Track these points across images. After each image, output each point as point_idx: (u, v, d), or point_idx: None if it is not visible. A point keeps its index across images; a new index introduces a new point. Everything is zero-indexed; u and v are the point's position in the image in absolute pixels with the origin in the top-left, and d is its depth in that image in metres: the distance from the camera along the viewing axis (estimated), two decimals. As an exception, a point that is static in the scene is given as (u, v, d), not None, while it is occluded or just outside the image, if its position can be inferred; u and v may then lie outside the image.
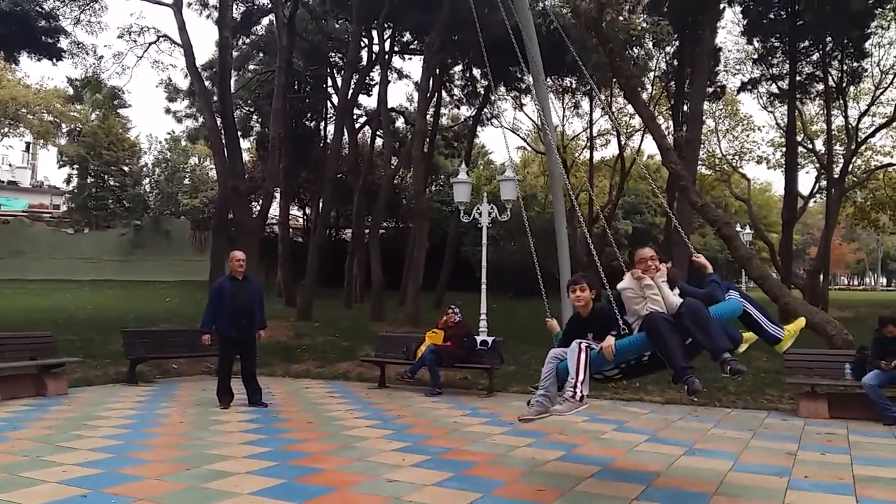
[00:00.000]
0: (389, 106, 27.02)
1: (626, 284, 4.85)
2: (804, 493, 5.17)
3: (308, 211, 37.20)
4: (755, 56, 25.38)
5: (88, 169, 39.53)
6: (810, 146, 28.64)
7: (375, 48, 25.77)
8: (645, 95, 24.33)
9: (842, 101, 24.62)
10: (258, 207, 24.98)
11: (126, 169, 40.93)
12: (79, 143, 40.74)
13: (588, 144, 34.33)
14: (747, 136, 33.08)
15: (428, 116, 24.85)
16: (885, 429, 7.86)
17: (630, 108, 27.69)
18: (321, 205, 25.85)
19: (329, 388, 11.19)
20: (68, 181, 42.18)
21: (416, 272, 19.90)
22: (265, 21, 27.93)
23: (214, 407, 8.77)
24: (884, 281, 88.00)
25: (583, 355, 4.74)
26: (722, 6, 20.60)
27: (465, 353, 10.56)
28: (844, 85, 23.89)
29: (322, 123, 33.88)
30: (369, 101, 32.02)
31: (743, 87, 26.37)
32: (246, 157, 30.34)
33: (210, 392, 9.30)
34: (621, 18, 13.46)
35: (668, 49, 23.42)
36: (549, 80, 23.30)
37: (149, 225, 38.81)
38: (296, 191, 33.96)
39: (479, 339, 11.04)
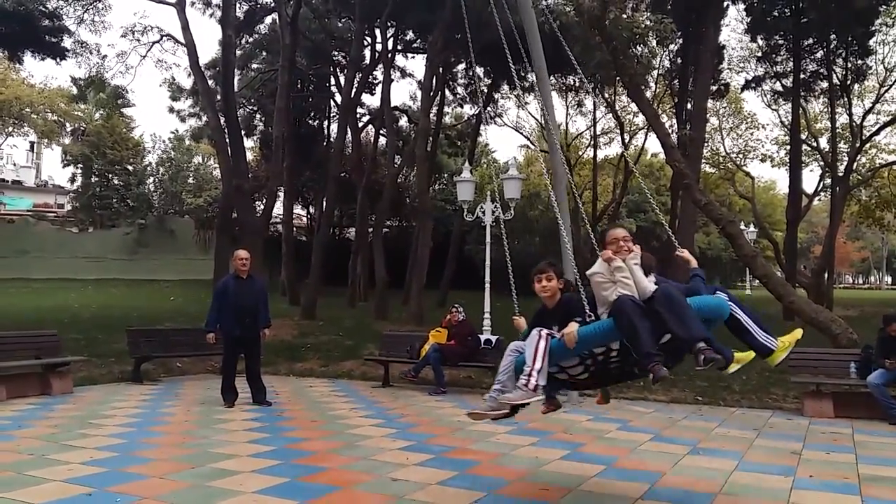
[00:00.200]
0: (392, 105, 27.02)
1: (597, 269, 4.35)
2: (809, 492, 5.15)
3: (312, 210, 37.22)
4: (759, 54, 25.30)
5: (92, 168, 39.59)
6: (814, 144, 28.55)
7: (378, 47, 25.78)
8: (648, 93, 24.27)
9: (846, 99, 24.52)
10: (262, 206, 25.01)
11: (130, 168, 40.99)
12: (83, 143, 40.78)
13: (592, 143, 34.28)
14: (751, 134, 32.99)
15: (431, 115, 24.83)
16: (891, 428, 7.84)
17: (634, 107, 27.65)
18: (325, 204, 25.88)
19: (333, 386, 11.20)
20: (72, 180, 42.26)
21: (419, 271, 19.90)
22: (268, 20, 27.96)
23: (219, 405, 8.78)
24: (889, 279, 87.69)
25: (542, 343, 4.26)
26: (725, 4, 20.54)
27: (469, 352, 10.56)
28: (849, 82, 23.79)
29: (325, 122, 33.89)
30: (372, 100, 32.10)
31: (747, 85, 26.30)
32: (249, 156, 30.34)
33: (214, 391, 9.32)
34: (625, 16, 13.42)
35: (671, 47, 23.35)
36: (552, 78, 23.29)
37: (153, 224, 38.86)
38: (299, 190, 33.96)
39: (482, 337, 11.04)
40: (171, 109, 32.62)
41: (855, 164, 24.67)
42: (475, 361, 10.66)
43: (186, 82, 30.01)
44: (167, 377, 11.83)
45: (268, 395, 9.19)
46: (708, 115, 22.99)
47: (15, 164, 57.32)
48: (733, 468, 5.84)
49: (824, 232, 33.32)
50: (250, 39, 29.07)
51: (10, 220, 41.86)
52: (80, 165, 40.44)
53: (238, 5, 24.05)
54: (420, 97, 25.34)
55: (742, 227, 23.08)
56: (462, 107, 33.46)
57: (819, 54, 23.09)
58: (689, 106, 21.63)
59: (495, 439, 6.99)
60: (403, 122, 33.86)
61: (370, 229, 26.21)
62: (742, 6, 22.31)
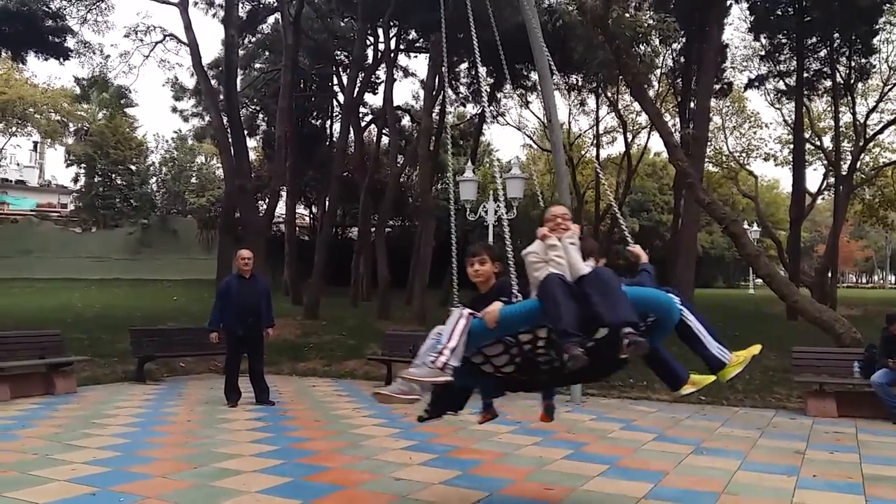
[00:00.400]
0: (395, 104, 27.04)
1: (532, 248, 4.04)
2: (813, 492, 5.14)
3: (314, 209, 37.26)
4: (762, 53, 25.25)
5: (96, 168, 39.67)
6: (818, 143, 28.51)
7: (381, 46, 25.79)
8: (651, 92, 24.23)
9: (850, 98, 24.47)
10: (265, 206, 25.03)
11: (133, 168, 41.06)
12: (86, 143, 40.86)
13: (595, 142, 34.24)
14: (754, 132, 32.96)
15: (434, 114, 24.83)
16: (894, 427, 7.82)
17: (637, 106, 27.62)
18: (327, 203, 25.91)
19: (336, 386, 11.21)
20: (76, 180, 42.36)
21: (422, 270, 19.91)
22: (271, 19, 27.99)
23: (222, 405, 8.79)
24: (892, 278, 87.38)
25: (462, 322, 3.84)
26: (729, 3, 20.51)
27: (472, 352, 10.54)
28: (852, 81, 23.75)
29: (328, 122, 33.92)
30: (375, 100, 32.07)
31: (750, 84, 26.27)
32: (252, 155, 30.40)
33: (217, 390, 9.33)
34: (627, 15, 13.40)
35: (674, 46, 23.32)
36: (554, 77, 23.28)
37: (156, 224, 38.92)
38: (302, 189, 33.98)
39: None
40: (174, 109, 32.68)
41: (858, 163, 24.65)
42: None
43: (189, 82, 30.06)
44: (170, 377, 11.84)
45: (271, 394, 9.20)
46: (711, 114, 22.99)
47: (18, 164, 57.40)
48: (737, 468, 5.84)
49: (828, 231, 33.29)
50: (253, 39, 29.11)
51: (13, 220, 41.99)
52: (83, 165, 40.52)
53: (241, 5, 24.08)
54: (423, 97, 25.38)
55: (745, 226, 23.07)
56: (465, 106, 33.50)
57: (822, 53, 23.06)
58: (692, 105, 21.63)
59: (498, 439, 6.99)
60: (406, 121, 33.87)
61: (373, 229, 26.22)
62: (745, 5, 22.27)
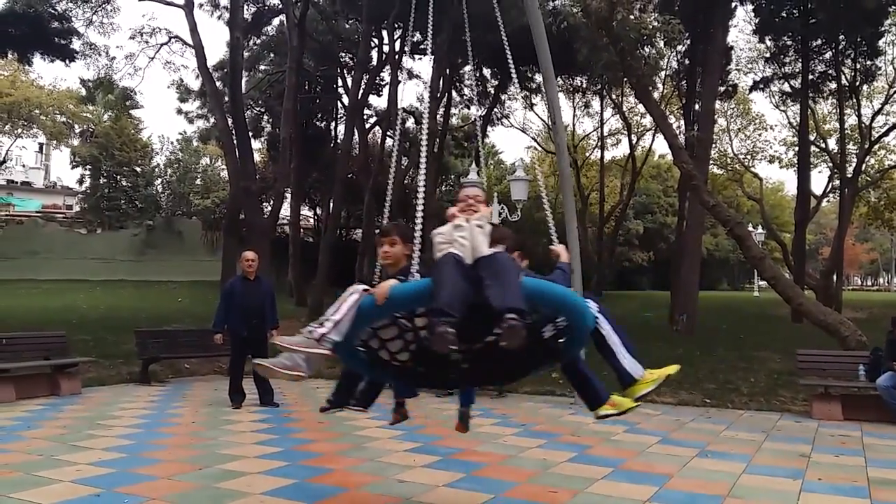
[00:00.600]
0: (400, 106, 27.04)
1: (441, 229, 3.84)
2: (818, 495, 5.13)
3: (319, 211, 37.32)
4: (767, 55, 25.24)
5: (101, 169, 39.81)
6: (823, 145, 28.45)
7: (386, 48, 25.82)
8: (656, 94, 24.24)
9: (855, 100, 24.44)
10: (269, 208, 25.07)
11: (138, 169, 41.21)
12: (91, 144, 41.01)
13: (599, 144, 34.26)
14: (759, 135, 32.94)
15: (438, 116, 24.86)
16: (900, 431, 7.79)
17: (641, 108, 27.60)
18: (332, 205, 25.93)
19: (340, 388, 11.20)
20: (81, 182, 42.52)
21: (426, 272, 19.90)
22: (276, 21, 28.05)
23: (226, 407, 8.80)
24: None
25: (353, 296, 3.62)
26: (734, 5, 20.49)
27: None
28: (858, 83, 23.71)
29: (333, 124, 33.97)
30: (380, 102, 32.11)
31: (755, 86, 26.23)
32: (257, 157, 30.44)
33: (222, 392, 9.34)
34: (632, 17, 13.37)
35: (679, 48, 23.31)
36: (559, 79, 23.27)
37: (161, 225, 39.02)
38: (306, 191, 34.06)
39: (489, 339, 11.00)
40: (179, 111, 32.76)
41: (864, 166, 24.63)
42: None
43: (194, 84, 30.17)
44: (175, 378, 11.86)
45: (275, 396, 9.21)
46: (716, 117, 22.93)
47: (24, 166, 57.63)
48: (741, 471, 5.82)
49: (833, 233, 33.17)
50: (258, 41, 29.18)
51: (19, 222, 42.14)
52: (88, 167, 40.69)
53: (246, 7, 24.13)
54: (427, 98, 25.40)
55: (750, 228, 23.00)
56: (469, 108, 33.52)
57: (828, 55, 23.03)
58: (696, 107, 21.56)
59: (503, 441, 6.98)
60: (410, 123, 33.90)
61: (377, 230, 26.24)
62: (750, 7, 22.24)
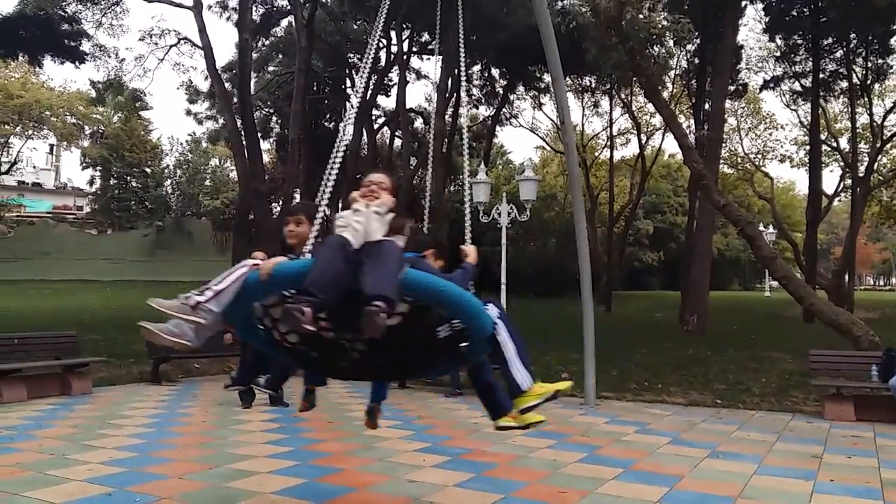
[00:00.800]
0: (408, 106, 27.08)
1: (343, 213, 3.82)
2: (830, 496, 5.09)
3: (327, 211, 37.36)
4: (778, 53, 25.13)
5: (111, 170, 40.08)
6: (834, 144, 28.30)
7: (394, 49, 25.85)
8: (665, 94, 24.15)
9: (866, 99, 24.29)
10: (278, 208, 25.15)
11: (148, 170, 41.48)
12: (101, 145, 41.29)
13: (608, 143, 34.17)
14: (770, 134, 32.81)
15: (446, 117, 24.87)
16: (914, 431, 7.73)
17: (650, 107, 27.51)
18: (340, 205, 25.97)
19: (349, 388, 11.21)
20: (91, 183, 42.86)
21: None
22: (284, 23, 28.16)
23: (236, 406, 8.82)
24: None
25: (241, 270, 3.57)
26: (744, 3, 20.41)
27: (485, 354, 10.52)
28: (869, 82, 23.57)
29: (341, 124, 34.05)
30: (388, 102, 32.16)
31: (765, 85, 26.13)
32: (266, 158, 30.56)
33: (232, 392, 9.36)
34: (641, 16, 13.34)
35: (689, 47, 23.23)
36: (568, 79, 23.23)
37: (170, 226, 39.23)
38: (315, 192, 34.13)
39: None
40: (189, 112, 33.01)
41: (876, 165, 24.47)
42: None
43: (203, 85, 30.34)
44: (185, 378, 11.89)
45: (285, 396, 9.22)
46: (726, 116, 22.85)
47: (35, 167, 58.07)
48: (753, 472, 5.78)
49: (844, 233, 32.97)
50: (267, 42, 29.30)
51: (30, 222, 42.48)
52: (98, 168, 40.97)
53: (254, 8, 24.22)
54: (435, 99, 25.40)
55: (761, 228, 22.90)
56: (477, 108, 33.51)
57: (839, 53, 22.91)
58: (706, 106, 21.50)
59: (512, 441, 6.96)
60: (419, 123, 33.93)
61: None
62: (760, 5, 22.15)
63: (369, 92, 24.19)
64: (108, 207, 40.16)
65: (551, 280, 33.02)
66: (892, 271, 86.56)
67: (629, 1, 12.30)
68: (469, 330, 3.58)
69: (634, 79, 17.39)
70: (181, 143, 45.59)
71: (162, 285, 31.46)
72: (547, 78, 24.37)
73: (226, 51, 59.34)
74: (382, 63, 26.64)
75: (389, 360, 3.79)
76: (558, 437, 7.18)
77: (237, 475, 5.45)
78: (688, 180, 27.93)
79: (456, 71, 24.45)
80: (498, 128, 32.31)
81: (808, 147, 26.26)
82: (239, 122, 20.05)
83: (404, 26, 24.20)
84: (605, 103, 31.88)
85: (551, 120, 34.77)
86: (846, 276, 25.10)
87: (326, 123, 33.85)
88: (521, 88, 29.55)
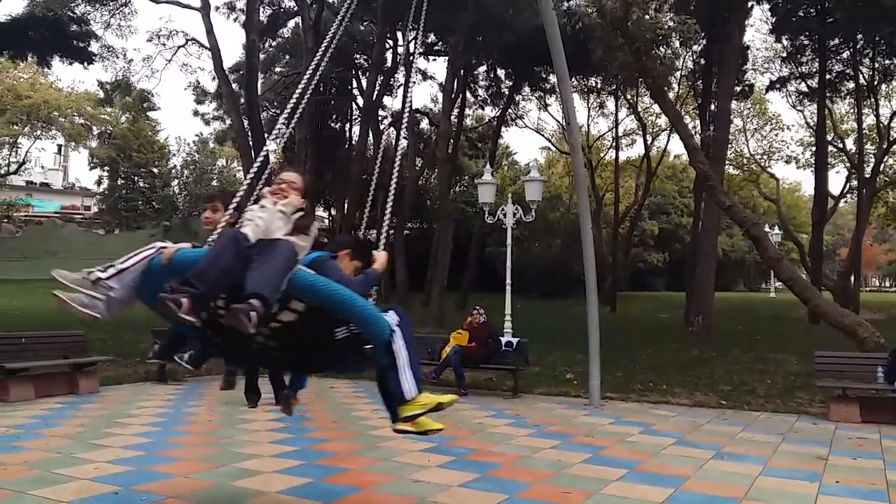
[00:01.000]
0: (414, 107, 27.12)
1: (253, 207, 3.91)
2: (836, 498, 5.08)
3: (333, 212, 37.48)
4: (784, 54, 25.06)
5: (119, 171, 40.26)
6: (841, 145, 28.22)
7: (400, 49, 25.89)
8: (671, 95, 24.12)
9: (873, 100, 24.21)
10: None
11: (155, 171, 41.66)
12: (109, 146, 41.47)
13: (614, 144, 34.14)
14: (776, 135, 32.73)
15: (452, 117, 24.90)
16: (919, 433, 7.71)
17: (656, 108, 27.48)
18: (346, 206, 26.03)
19: (355, 387, 11.24)
20: (99, 183, 43.04)
21: (440, 273, 19.94)
22: (291, 24, 28.22)
23: (242, 406, 8.84)
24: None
25: (147, 251, 3.69)
26: (750, 4, 20.37)
27: (490, 355, 10.55)
28: (876, 83, 23.50)
29: (347, 125, 34.11)
30: (394, 103, 32.21)
31: (771, 86, 26.08)
32: (272, 158, 30.60)
33: (238, 391, 9.39)
34: (647, 17, 13.33)
35: (695, 48, 23.21)
36: (573, 80, 23.22)
37: (177, 226, 39.40)
38: (321, 192, 34.20)
39: (503, 340, 11.03)
40: (196, 113, 33.09)
41: (882, 166, 24.38)
42: (496, 364, 10.65)
43: (211, 86, 30.43)
44: (191, 377, 11.91)
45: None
46: (732, 117, 22.80)
47: (43, 167, 58.30)
48: (758, 473, 5.78)
49: (850, 234, 32.87)
50: (274, 43, 29.37)
51: (38, 222, 42.69)
52: (106, 168, 41.15)
53: (261, 9, 24.29)
54: (441, 100, 25.43)
55: (767, 229, 22.85)
56: (483, 109, 33.52)
57: (845, 54, 22.84)
58: (712, 107, 21.48)
59: (517, 442, 6.98)
60: (425, 124, 33.95)
61: (391, 231, 26.29)
62: (767, 6, 22.12)
63: (375, 92, 24.21)
64: (116, 207, 40.36)
65: (556, 280, 33.01)
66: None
67: (635, 2, 12.30)
68: (369, 337, 3.69)
69: (640, 79, 17.34)
70: (188, 144, 45.79)
71: (168, 285, 31.63)
72: (553, 78, 24.37)
73: (233, 52, 59.65)
74: (388, 64, 26.69)
75: (292, 354, 3.90)
76: (563, 437, 7.19)
77: (243, 474, 5.47)
78: (693, 181, 27.89)
79: (463, 72, 24.53)
80: (503, 128, 32.29)
81: (814, 148, 26.19)
82: (246, 122, 20.13)
83: (410, 27, 24.24)
84: (610, 104, 31.89)
85: (557, 120, 34.78)
86: (852, 278, 25.01)
87: (332, 124, 33.91)
88: (527, 89, 29.52)
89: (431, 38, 26.86)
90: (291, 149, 25.82)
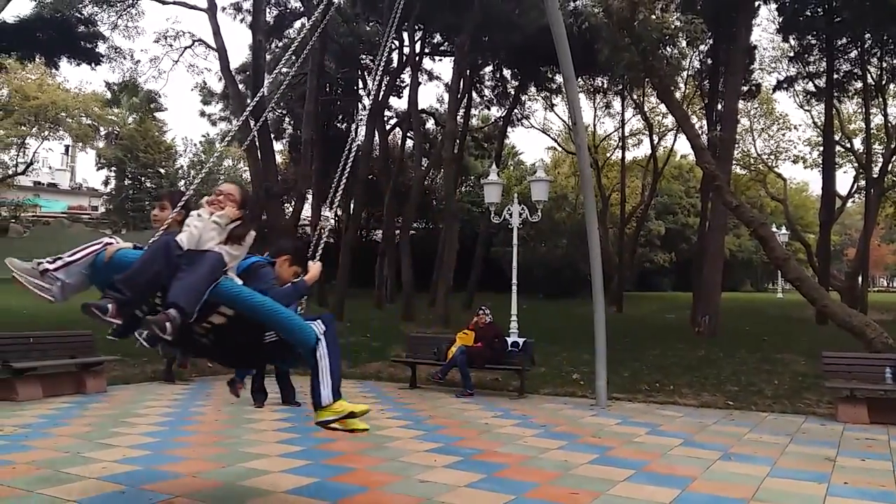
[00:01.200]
0: (420, 107, 27.12)
1: (193, 213, 4.07)
2: (844, 500, 5.06)
3: (339, 212, 37.53)
4: (791, 54, 24.97)
5: (126, 171, 40.38)
6: (848, 145, 28.10)
7: (406, 50, 25.90)
8: (678, 94, 24.05)
9: (881, 99, 24.09)
10: (291, 209, 25.24)
11: (162, 171, 41.75)
12: (116, 146, 41.61)
13: (620, 144, 34.06)
14: (783, 135, 32.61)
15: (458, 117, 24.89)
16: (928, 435, 7.66)
17: (663, 107, 27.42)
18: (352, 206, 26.06)
19: (361, 387, 11.26)
20: (106, 183, 43.17)
21: (446, 273, 19.95)
22: (297, 24, 28.23)
23: (249, 406, 8.88)
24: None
25: (95, 246, 3.90)
26: (757, 3, 20.29)
27: (496, 355, 10.55)
28: (884, 82, 23.38)
29: (353, 125, 34.12)
30: (400, 103, 32.21)
31: (779, 86, 25.96)
32: (279, 159, 30.68)
33: (244, 391, 9.42)
34: (654, 17, 13.30)
35: (701, 47, 23.13)
36: (580, 79, 23.20)
37: (184, 226, 39.47)
38: (327, 192, 34.25)
39: (509, 340, 11.03)
40: (203, 113, 33.20)
41: (890, 166, 24.22)
42: (502, 364, 10.65)
43: (217, 86, 30.51)
44: (198, 377, 11.97)
45: (297, 395, 9.27)
46: (739, 116, 22.71)
47: (50, 168, 58.51)
48: (766, 474, 5.76)
49: (858, 234, 32.72)
50: (280, 44, 29.38)
51: (45, 223, 42.88)
52: (113, 168, 41.28)
53: (268, 10, 24.34)
54: (447, 100, 25.44)
55: (774, 229, 22.75)
56: (489, 109, 33.51)
57: (853, 54, 22.74)
58: (719, 107, 21.39)
59: (523, 442, 6.97)
60: (430, 124, 33.95)
61: (397, 231, 26.32)
62: (774, 6, 22.03)
63: (381, 93, 24.21)
64: (123, 208, 40.50)
65: (562, 281, 32.96)
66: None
67: (642, 1, 12.27)
68: (290, 342, 3.93)
69: (647, 79, 17.31)
70: (195, 144, 45.89)
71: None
72: (559, 78, 24.35)
73: (240, 52, 59.76)
74: (395, 64, 26.69)
75: (228, 351, 4.18)
76: (569, 438, 7.18)
77: (250, 474, 5.49)
78: (700, 181, 27.79)
79: (469, 72, 24.52)
80: (510, 128, 32.27)
81: (821, 148, 26.08)
82: (252, 122, 20.16)
83: (416, 27, 24.23)
84: (617, 104, 31.80)
85: (563, 120, 34.71)
86: (859, 278, 24.88)
87: (338, 124, 33.95)
88: (533, 89, 29.50)
89: (438, 38, 26.90)
90: (298, 149, 25.89)
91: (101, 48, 21.07)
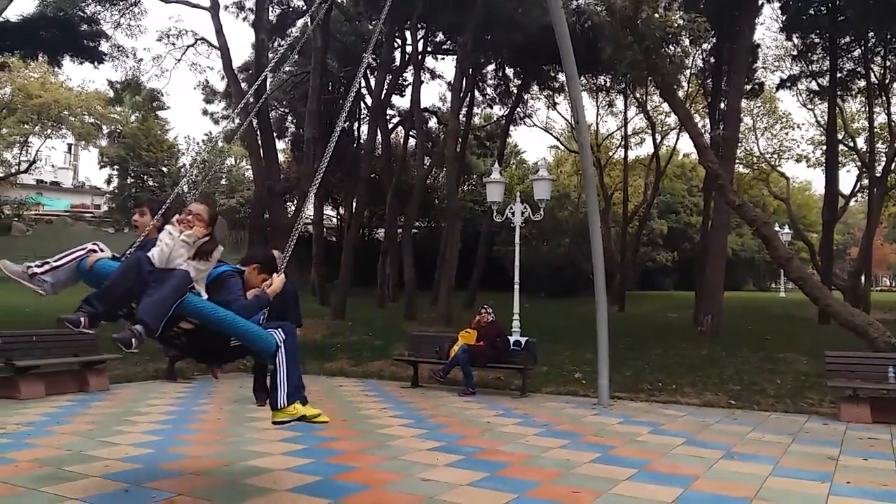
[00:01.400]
0: (422, 106, 27.11)
1: (165, 228, 4.37)
2: (847, 499, 5.06)
3: (342, 211, 37.53)
4: (794, 52, 24.91)
5: (128, 170, 40.36)
6: (851, 144, 28.04)
7: (409, 48, 25.89)
8: (681, 93, 24.03)
9: (884, 98, 24.02)
10: (293, 207, 25.27)
11: (165, 170, 41.72)
12: (119, 145, 41.61)
13: (623, 143, 34.02)
14: (786, 133, 32.55)
15: (461, 116, 24.87)
16: (931, 434, 7.65)
17: (665, 106, 27.38)
18: (355, 204, 26.06)
19: (363, 386, 11.28)
20: (109, 182, 43.14)
21: (448, 272, 19.93)
22: (300, 23, 28.22)
23: (251, 404, 8.88)
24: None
25: (79, 251, 4.24)
26: (760, 2, 20.23)
27: (498, 354, 10.55)
28: (887, 81, 23.32)
29: (356, 124, 34.12)
30: (402, 102, 32.22)
31: (782, 84, 25.91)
32: (281, 157, 30.70)
33: (247, 389, 9.43)
34: (657, 16, 13.30)
35: (704, 46, 23.09)
36: (582, 78, 23.17)
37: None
38: (329, 191, 34.25)
39: (511, 339, 11.03)
40: (205, 112, 33.17)
41: (893, 165, 24.16)
42: (504, 363, 10.65)
43: (220, 85, 30.52)
44: (201, 375, 11.99)
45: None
46: (742, 115, 22.68)
47: (53, 166, 58.51)
48: (768, 473, 5.76)
49: (861, 234, 32.68)
50: (282, 42, 29.39)
51: (48, 221, 42.91)
52: (116, 167, 41.25)
53: (270, 9, 24.34)
54: (449, 98, 25.41)
55: (777, 228, 22.73)
56: (491, 107, 33.47)
57: (856, 52, 22.68)
58: (722, 105, 21.35)
59: (525, 441, 6.98)
60: (433, 123, 33.93)
61: (399, 230, 26.31)
62: (777, 4, 21.99)
63: (384, 91, 24.22)
64: (126, 206, 40.39)
65: (565, 280, 32.94)
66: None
67: (645, 0, 12.26)
68: (252, 349, 4.39)
69: (650, 78, 17.30)
70: (197, 143, 45.88)
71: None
72: (561, 77, 24.33)
73: (242, 51, 59.86)
74: (397, 63, 26.68)
75: (199, 349, 4.66)
76: (571, 437, 7.18)
77: (253, 472, 5.50)
78: (703, 180, 27.77)
79: (470, 70, 24.50)
80: (512, 127, 32.21)
81: (824, 147, 26.05)
82: (255, 121, 20.17)
83: (419, 26, 24.22)
84: (619, 102, 31.75)
85: (565, 119, 34.66)
86: (862, 277, 24.84)
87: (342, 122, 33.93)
88: (536, 88, 29.45)
89: (440, 36, 26.87)
90: (300, 147, 25.90)
91: (104, 47, 21.08)
